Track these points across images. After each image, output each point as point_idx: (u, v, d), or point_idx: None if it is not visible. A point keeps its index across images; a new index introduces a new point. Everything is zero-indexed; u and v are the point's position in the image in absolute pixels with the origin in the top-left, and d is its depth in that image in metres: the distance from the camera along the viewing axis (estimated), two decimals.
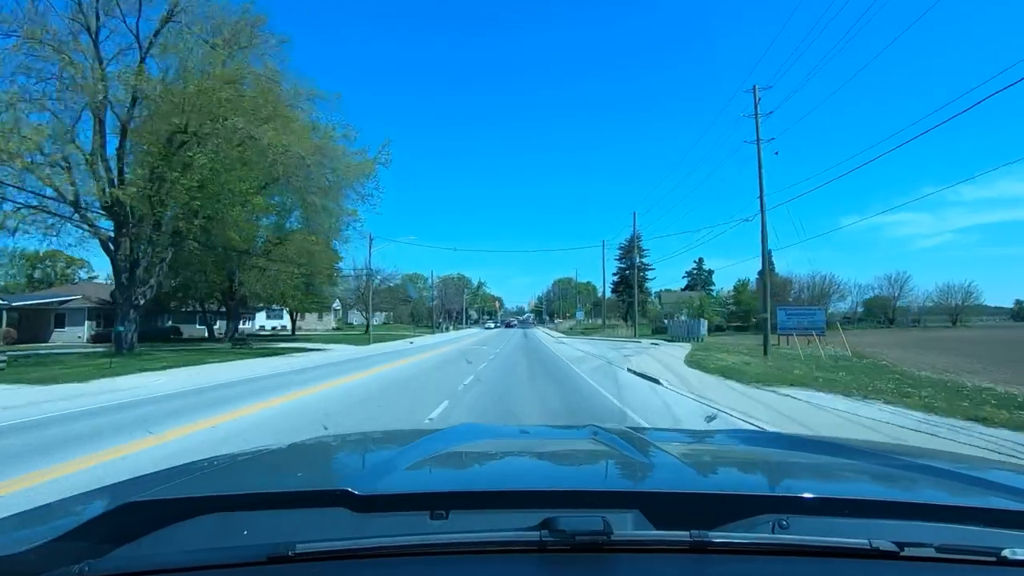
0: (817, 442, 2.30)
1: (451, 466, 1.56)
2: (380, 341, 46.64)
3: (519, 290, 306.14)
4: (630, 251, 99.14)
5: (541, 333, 76.06)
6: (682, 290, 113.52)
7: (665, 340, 42.04)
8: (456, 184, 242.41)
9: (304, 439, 2.05)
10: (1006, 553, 0.87)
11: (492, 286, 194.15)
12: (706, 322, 38.24)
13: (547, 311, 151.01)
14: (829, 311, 67.50)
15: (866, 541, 0.87)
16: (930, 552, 0.88)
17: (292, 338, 49.31)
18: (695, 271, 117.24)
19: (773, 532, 0.94)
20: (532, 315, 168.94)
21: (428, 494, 1.13)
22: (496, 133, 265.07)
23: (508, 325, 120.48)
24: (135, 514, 1.01)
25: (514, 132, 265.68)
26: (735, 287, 79.53)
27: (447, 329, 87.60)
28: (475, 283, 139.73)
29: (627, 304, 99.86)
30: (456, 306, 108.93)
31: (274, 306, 59.36)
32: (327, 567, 0.88)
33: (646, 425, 8.04)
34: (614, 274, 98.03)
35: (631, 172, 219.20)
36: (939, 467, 1.47)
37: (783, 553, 0.89)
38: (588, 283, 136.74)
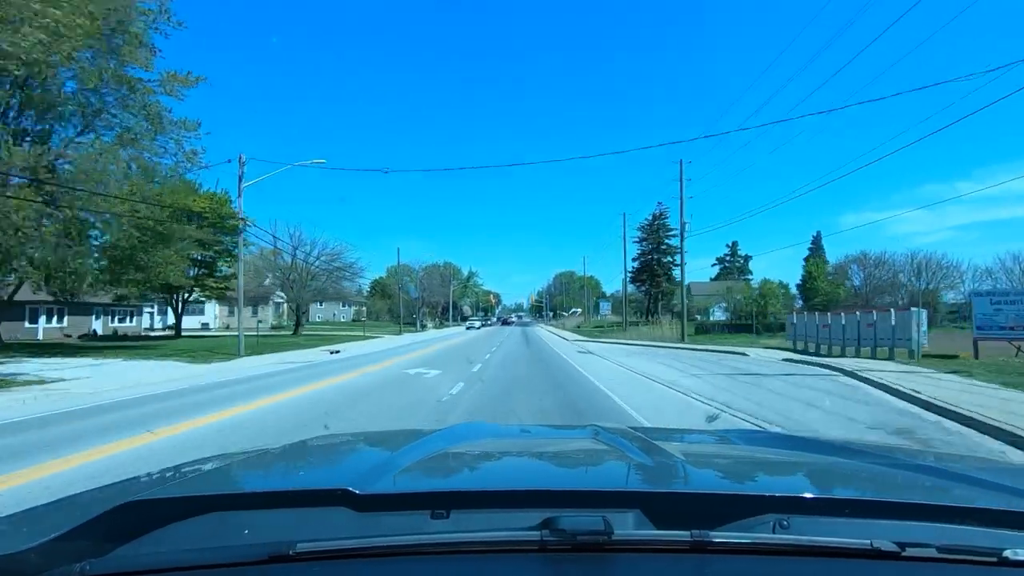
0: (818, 442, 2.20)
1: (452, 465, 1.52)
2: (289, 349, 27.11)
3: (518, 288, 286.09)
4: (655, 231, 79.70)
5: (545, 333, 56.61)
6: (712, 280, 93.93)
7: (777, 347, 22.52)
8: (448, 178, 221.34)
9: (305, 439, 1.99)
10: (1007, 553, 0.85)
11: (490, 283, 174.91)
12: (924, 314, 18.13)
13: (548, 307, 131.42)
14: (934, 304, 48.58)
15: (867, 541, 0.85)
16: (931, 552, 0.86)
17: (129, 346, 29.03)
18: (727, 257, 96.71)
19: (774, 532, 0.93)
20: (531, 312, 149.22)
21: (429, 493, 1.12)
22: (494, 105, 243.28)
23: (505, 322, 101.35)
24: (136, 513, 0.98)
25: (515, 101, 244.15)
26: (807, 269, 59.45)
27: (425, 328, 67.49)
28: (465, 273, 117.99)
29: (651, 296, 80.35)
30: (442, 299, 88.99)
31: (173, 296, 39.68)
32: (328, 566, 0.86)
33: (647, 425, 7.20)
34: (634, 259, 78.30)
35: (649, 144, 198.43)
36: (940, 467, 1.45)
37: (784, 553, 0.88)
38: (591, 277, 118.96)
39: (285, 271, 41.04)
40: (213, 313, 57.51)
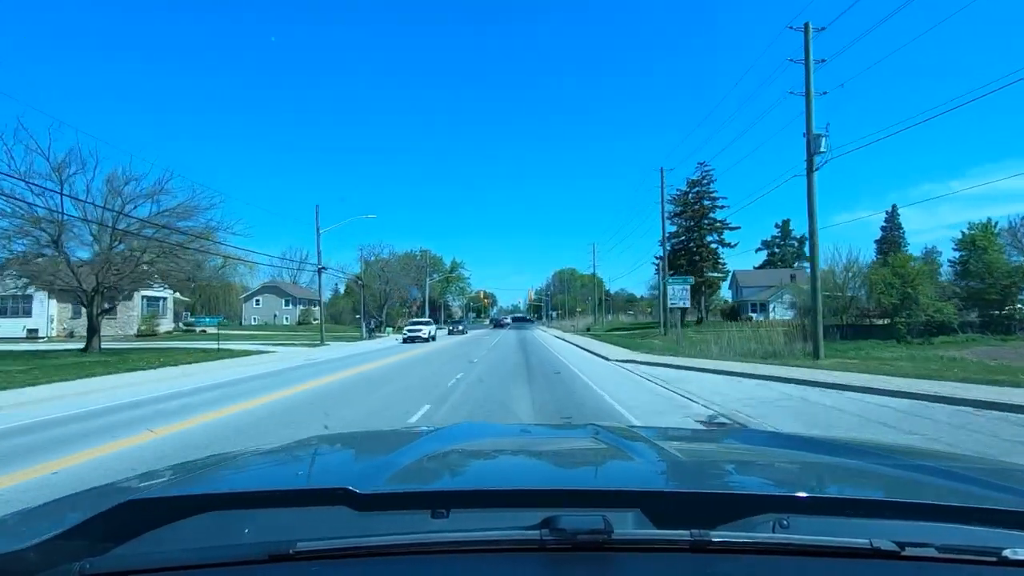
0: (818, 442, 2.12)
1: (452, 465, 1.49)
2: None
3: (516, 288, 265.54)
4: (694, 202, 59.67)
5: (555, 341, 36.84)
6: (758, 268, 74.24)
7: None
8: (439, 179, 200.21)
9: (305, 438, 1.96)
10: (1007, 553, 0.84)
11: (486, 286, 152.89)
12: None
13: (549, 307, 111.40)
14: None
15: (867, 541, 0.85)
16: (931, 552, 0.85)
17: None
18: (777, 240, 75.61)
19: (774, 532, 0.92)
20: (529, 312, 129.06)
21: (429, 493, 1.11)
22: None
23: (498, 324, 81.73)
24: (135, 512, 0.97)
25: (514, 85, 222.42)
26: (968, 235, 38.88)
27: (377, 333, 46.55)
28: (448, 264, 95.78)
29: (690, 289, 60.64)
30: (420, 297, 68.43)
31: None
32: (328, 565, 0.86)
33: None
34: (667, 238, 58.80)
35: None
36: (940, 467, 1.44)
37: (784, 553, 0.87)
38: (594, 276, 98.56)
39: (46, 225, 20.38)
40: (47, 313, 37.27)
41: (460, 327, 50.88)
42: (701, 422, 8.10)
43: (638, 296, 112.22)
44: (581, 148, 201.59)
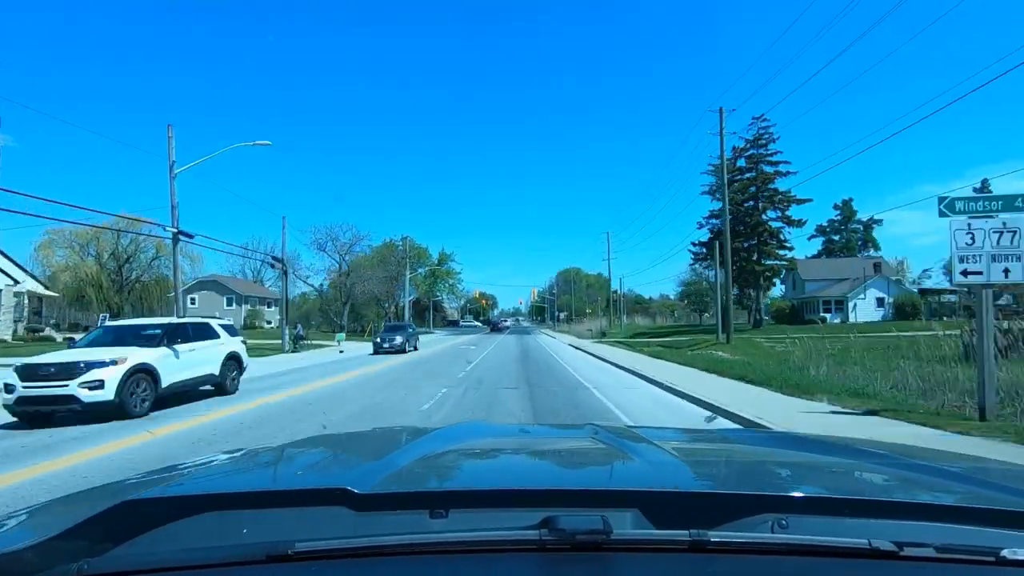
0: (817, 442, 2.11)
1: (451, 465, 1.48)
2: None
3: (517, 288, 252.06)
4: (750, 165, 46.38)
5: (570, 352, 23.97)
6: (812, 257, 60.81)
7: None
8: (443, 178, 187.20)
9: (303, 438, 2.00)
10: (1005, 553, 0.84)
11: (483, 286, 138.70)
12: None
13: (553, 309, 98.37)
14: None
15: (865, 541, 0.85)
16: (929, 552, 0.85)
17: None
18: (838, 224, 61.52)
19: (772, 532, 0.91)
20: (531, 314, 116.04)
21: (428, 493, 1.11)
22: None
23: (496, 328, 69.02)
24: (133, 512, 0.97)
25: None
26: None
27: (301, 344, 32.79)
28: (435, 256, 79.92)
29: (743, 279, 47.12)
30: (386, 291, 55.05)
31: None
32: (326, 566, 0.86)
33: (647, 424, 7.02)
34: (706, 219, 45.53)
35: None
36: (939, 467, 1.43)
37: (782, 552, 0.87)
38: (599, 275, 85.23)
39: None
40: None
41: (396, 339, 25.56)
42: None
43: (647, 297, 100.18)
44: (581, 148, 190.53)
